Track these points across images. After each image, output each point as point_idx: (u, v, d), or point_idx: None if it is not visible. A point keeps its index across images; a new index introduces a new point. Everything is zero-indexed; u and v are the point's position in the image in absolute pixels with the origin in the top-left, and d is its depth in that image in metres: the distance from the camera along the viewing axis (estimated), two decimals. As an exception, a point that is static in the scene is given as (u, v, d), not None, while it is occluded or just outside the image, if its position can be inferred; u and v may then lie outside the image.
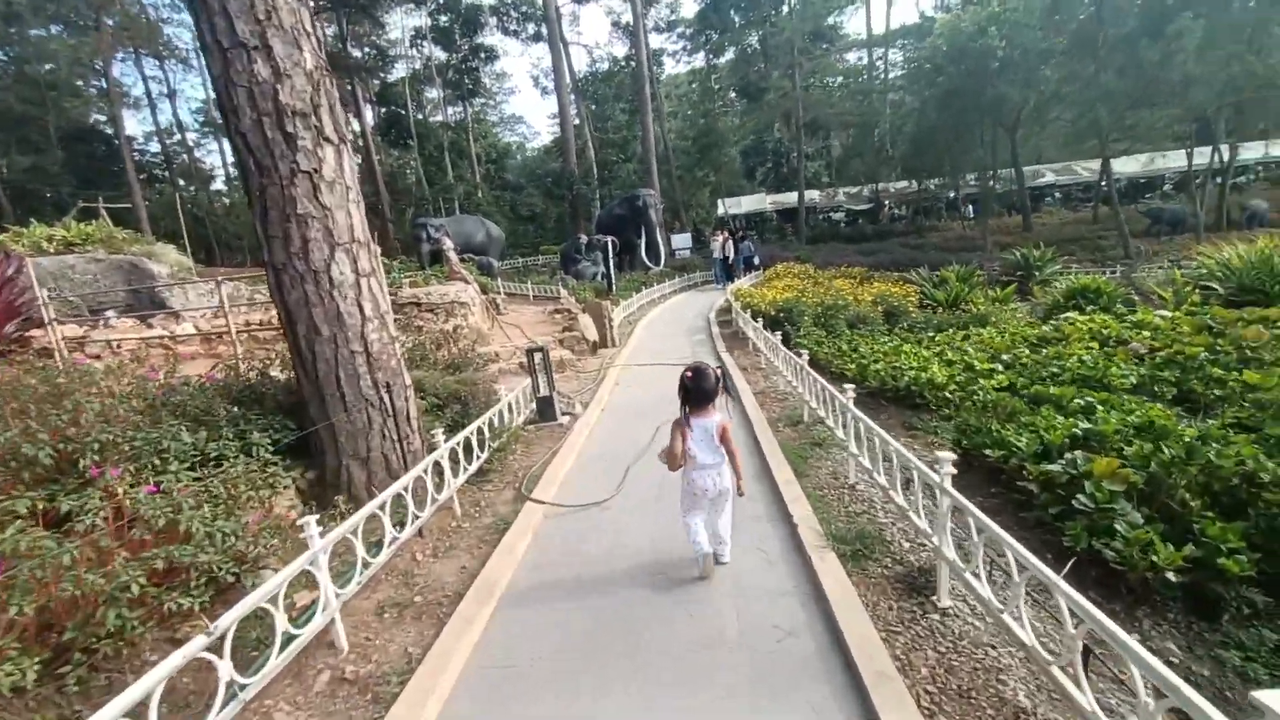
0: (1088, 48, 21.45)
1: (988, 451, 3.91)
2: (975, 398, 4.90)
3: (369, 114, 45.56)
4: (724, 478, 3.11)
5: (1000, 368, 5.81)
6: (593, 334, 10.59)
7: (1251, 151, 28.93)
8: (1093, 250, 24.45)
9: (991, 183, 27.63)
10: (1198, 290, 10.48)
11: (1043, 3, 22.11)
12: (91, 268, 10.27)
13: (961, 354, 6.46)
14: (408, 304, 9.55)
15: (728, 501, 3.19)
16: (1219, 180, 25.29)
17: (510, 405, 5.68)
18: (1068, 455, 3.30)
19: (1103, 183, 32.07)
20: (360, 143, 43.88)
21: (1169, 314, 8.72)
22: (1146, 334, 7.43)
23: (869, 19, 40.77)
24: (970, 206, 36.05)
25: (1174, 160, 31.39)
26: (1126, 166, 31.32)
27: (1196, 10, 18.93)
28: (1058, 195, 38.92)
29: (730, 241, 21.31)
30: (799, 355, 5.51)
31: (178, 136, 44.82)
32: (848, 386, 4.30)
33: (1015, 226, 31.22)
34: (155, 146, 43.64)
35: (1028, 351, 6.40)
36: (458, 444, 4.22)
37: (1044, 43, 22.04)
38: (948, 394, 5.46)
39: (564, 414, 6.44)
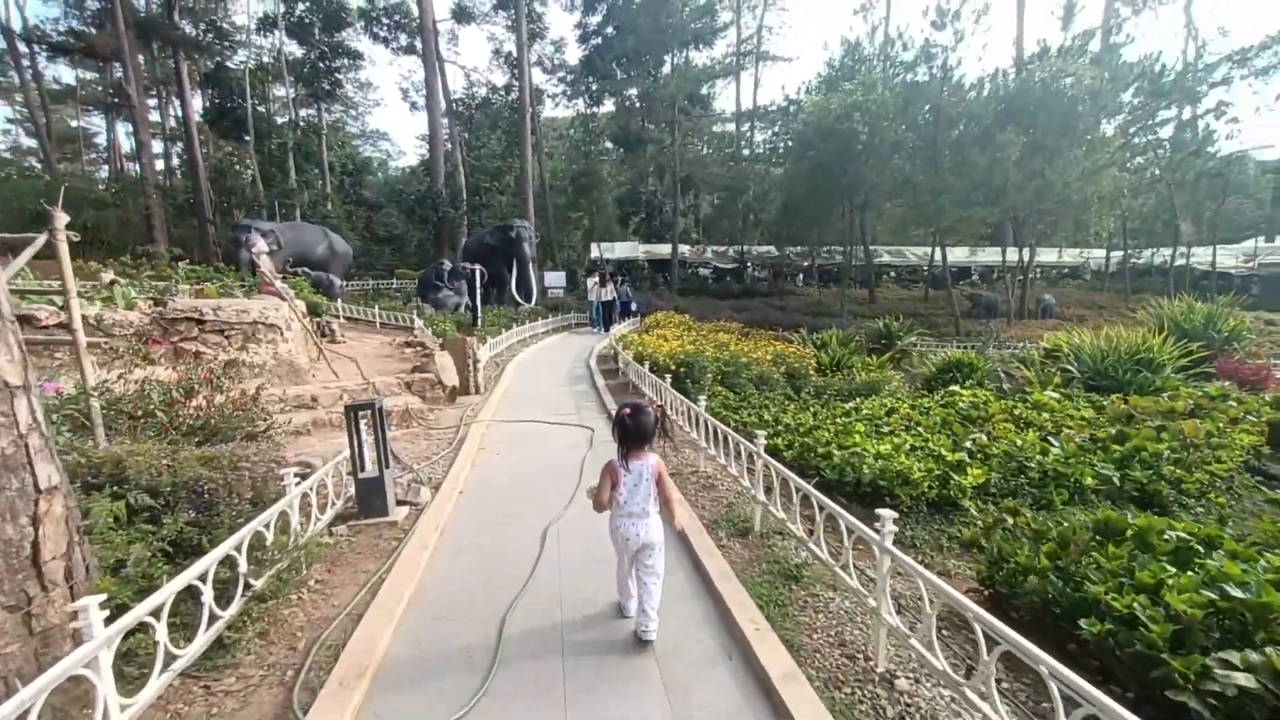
0: (930, 146, 24.14)
1: (1054, 606, 2.65)
2: (992, 518, 3.72)
3: (196, 100, 38.92)
4: (654, 530, 2.82)
5: (965, 457, 4.83)
6: (452, 377, 8.41)
7: (1044, 256, 34.69)
8: (929, 325, 27.09)
9: (849, 256, 29.82)
10: (1059, 372, 11.02)
11: (896, 100, 24.55)
12: None
13: (915, 436, 5.45)
14: (183, 319, 6.72)
15: (657, 556, 2.84)
16: (1020, 276, 29.54)
17: (308, 496, 3.49)
18: (1246, 655, 2.07)
19: (927, 268, 36.59)
20: (182, 129, 37.10)
21: (1052, 394, 8.80)
22: (1045, 416, 7.17)
23: (739, 94, 43.77)
24: (815, 276, 39.12)
25: (988, 255, 36.74)
26: (951, 255, 35.93)
27: (1015, 128, 22.02)
28: (891, 274, 43.73)
29: (610, 285, 20.13)
30: (752, 439, 4.02)
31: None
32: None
33: (862, 299, 34.03)
34: None
35: (978, 436, 5.57)
36: (155, 610, 2.05)
37: (897, 135, 24.37)
38: (923, 490, 4.31)
39: (400, 502, 4.32)
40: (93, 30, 36.39)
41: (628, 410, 2.84)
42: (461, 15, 38.82)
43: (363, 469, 4.07)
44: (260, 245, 7.97)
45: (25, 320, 6.02)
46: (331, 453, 4.50)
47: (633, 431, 2.81)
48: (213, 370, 4.21)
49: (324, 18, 38.08)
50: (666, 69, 38.12)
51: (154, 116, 43.84)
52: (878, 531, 2.42)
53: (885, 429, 5.81)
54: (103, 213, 31.00)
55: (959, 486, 4.37)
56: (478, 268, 16.90)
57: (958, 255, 36.13)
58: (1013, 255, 28.36)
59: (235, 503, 2.99)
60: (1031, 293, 30.77)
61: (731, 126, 45.24)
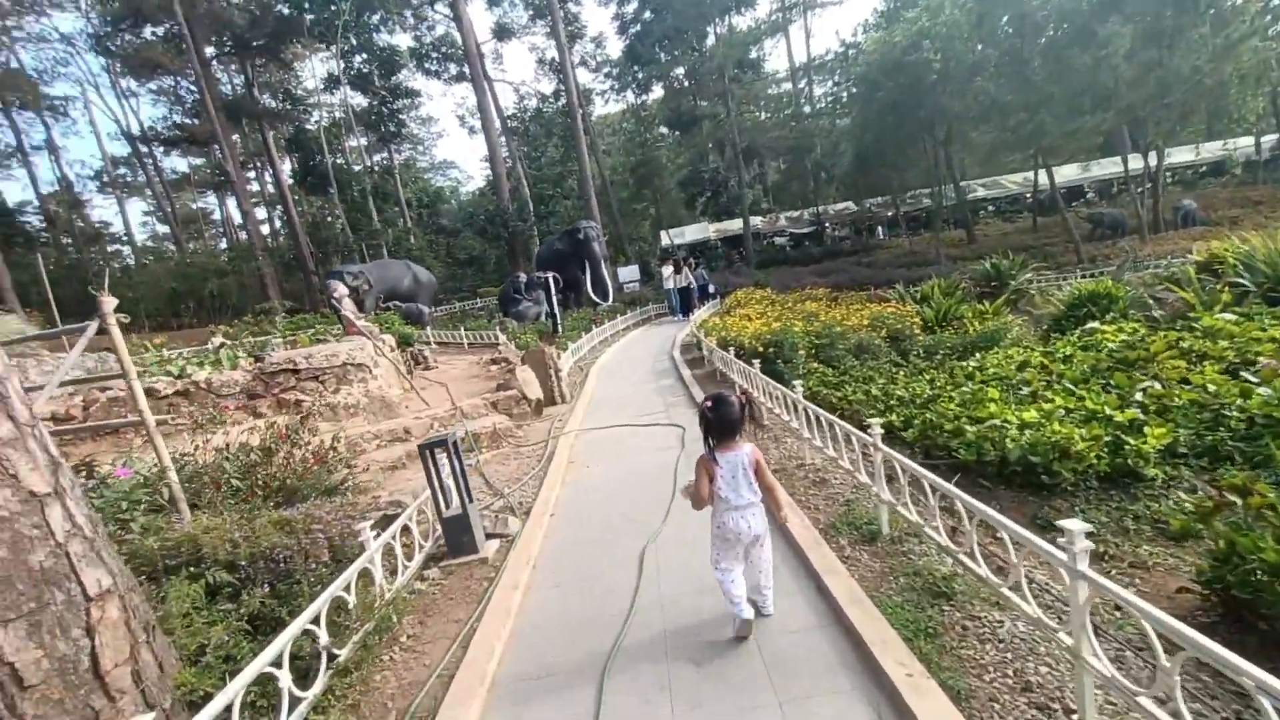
0: (1016, 60, 21.39)
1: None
2: (1213, 500, 2.92)
3: (286, 164, 42.50)
4: (760, 519, 2.72)
5: (1139, 414, 3.92)
6: (535, 390, 8.31)
7: (1176, 156, 29.99)
8: (1043, 257, 24.16)
9: (938, 197, 27.30)
10: (1227, 288, 9.21)
11: (969, 18, 21.97)
12: None
13: (1063, 395, 4.56)
14: (280, 371, 7.03)
15: (766, 546, 2.80)
16: (1150, 184, 25.68)
17: (391, 546, 3.33)
18: None
19: (1030, 194, 32.78)
20: (277, 193, 40.71)
21: (1225, 315, 7.30)
22: (1224, 345, 5.86)
23: (790, 50, 41.42)
24: (903, 225, 36.20)
25: (1105, 168, 32.38)
26: (1059, 175, 32.05)
27: (1119, 18, 18.99)
28: (989, 208, 39.68)
29: (685, 270, 19.58)
30: (863, 425, 3.42)
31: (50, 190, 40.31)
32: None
33: (959, 240, 31.12)
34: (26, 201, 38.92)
35: (1149, 384, 4.55)
36: (226, 708, 1.87)
37: (975, 55, 21.84)
38: (1090, 463, 3.51)
39: (490, 535, 4.12)
40: (194, 121, 40.50)
41: (709, 403, 2.75)
42: (502, 33, 39.56)
43: (447, 507, 3.89)
44: (340, 290, 8.24)
45: (148, 392, 6.49)
46: (424, 487, 4.40)
47: (716, 424, 2.72)
48: (290, 426, 4.21)
49: (379, 64, 40.10)
50: (710, 41, 36.77)
51: (254, 186, 48.55)
52: (1063, 548, 1.81)
53: (1024, 390, 4.92)
54: (224, 280, 34.58)
55: (1138, 452, 3.51)
56: (551, 275, 16.98)
57: (1067, 174, 32.04)
58: (1136, 163, 24.65)
59: (313, 568, 2.86)
60: (1166, 200, 26.70)
61: (788, 86, 43.02)
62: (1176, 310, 9.43)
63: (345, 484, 4.11)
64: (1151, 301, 10.41)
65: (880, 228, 38.67)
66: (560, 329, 16.27)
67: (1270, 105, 26.88)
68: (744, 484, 2.67)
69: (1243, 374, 4.76)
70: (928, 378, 6.28)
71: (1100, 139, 26.22)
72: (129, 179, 48.38)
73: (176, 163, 49.15)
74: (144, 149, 43.34)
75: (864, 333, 8.70)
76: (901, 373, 6.86)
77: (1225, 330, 6.55)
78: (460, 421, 7.17)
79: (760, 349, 7.81)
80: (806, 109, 39.79)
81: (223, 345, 8.05)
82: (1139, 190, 25.69)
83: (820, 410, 4.29)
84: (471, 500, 3.96)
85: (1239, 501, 2.34)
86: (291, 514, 3.09)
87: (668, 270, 20.05)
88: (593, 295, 22.27)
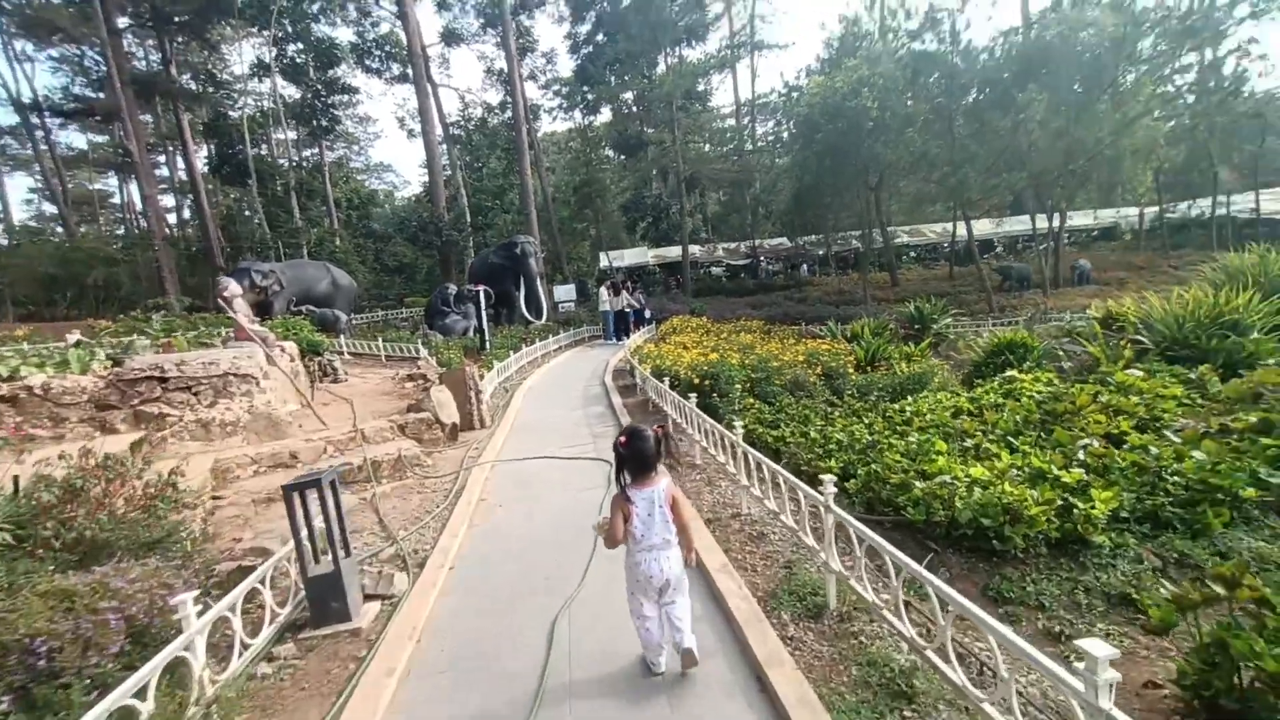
0: (944, 116, 22.84)
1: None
2: (1199, 593, 2.70)
3: (202, 150, 39.26)
4: (676, 561, 2.56)
5: (1084, 475, 3.77)
6: (451, 413, 7.55)
7: (1075, 219, 32.91)
8: (959, 304, 25.66)
9: (867, 240, 28.56)
10: (1129, 344, 9.78)
11: (904, 73, 23.30)
12: None
13: (1001, 445, 4.39)
14: (143, 379, 5.96)
15: (684, 594, 2.61)
16: (1053, 242, 27.92)
17: (228, 620, 2.60)
18: None
19: (949, 244, 35.03)
20: (188, 180, 37.42)
21: (1136, 372, 7.65)
22: (1136, 402, 6.03)
23: (736, 87, 42.82)
24: (831, 264, 37.84)
25: (1013, 225, 35.04)
26: (974, 229, 34.46)
27: (1036, 86, 20.65)
28: (911, 254, 42.07)
29: (624, 293, 19.29)
30: (817, 485, 3.02)
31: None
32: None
33: (884, 282, 32.62)
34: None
35: (1090, 443, 4.46)
36: None
37: (908, 109, 23.13)
38: (1042, 529, 3.28)
39: (370, 597, 3.42)
40: (98, 96, 36.82)
41: (623, 437, 2.62)
42: (450, 38, 38.58)
43: (315, 562, 3.18)
44: (231, 288, 7.21)
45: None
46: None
47: (630, 459, 2.58)
48: (109, 457, 3.33)
49: (316, 56, 38.05)
50: (661, 69, 37.36)
51: (165, 172, 44.60)
52: (1081, 675, 1.42)
53: (967, 442, 4.75)
54: (113, 270, 31.13)
55: (1087, 518, 3.32)
56: (482, 288, 16.14)
57: (981, 228, 34.53)
58: (1041, 222, 26.74)
59: (96, 663, 2.10)
60: (1064, 259, 29.11)
61: (731, 121, 44.26)
62: (1084, 363, 9.89)
63: (180, 534, 3.25)
64: (1061, 353, 10.94)
65: (807, 265, 40.12)
66: (489, 346, 15.43)
67: (1154, 179, 30.01)
68: (659, 521, 2.52)
69: (1166, 433, 4.80)
70: (865, 421, 6.09)
71: (1011, 197, 28.40)
72: (14, 150, 43.24)
73: (74, 138, 44.54)
74: (35, 120, 38.90)
75: (799, 368, 8.54)
76: (837, 413, 6.68)
77: (1135, 385, 6.79)
78: (360, 446, 6.34)
79: (695, 380, 7.46)
80: (748, 145, 41.02)
81: (79, 343, 6.82)
82: (1042, 247, 27.84)
83: (761, 457, 3.90)
84: (349, 553, 3.26)
85: (1224, 591, 2.11)
86: (82, 582, 2.30)
87: (605, 292, 19.66)
88: (526, 313, 21.50)
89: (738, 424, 4.60)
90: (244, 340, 7.19)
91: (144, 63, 37.32)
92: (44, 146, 40.65)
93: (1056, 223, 27.22)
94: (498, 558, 4.12)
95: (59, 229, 42.06)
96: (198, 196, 35.76)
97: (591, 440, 7.24)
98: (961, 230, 29.65)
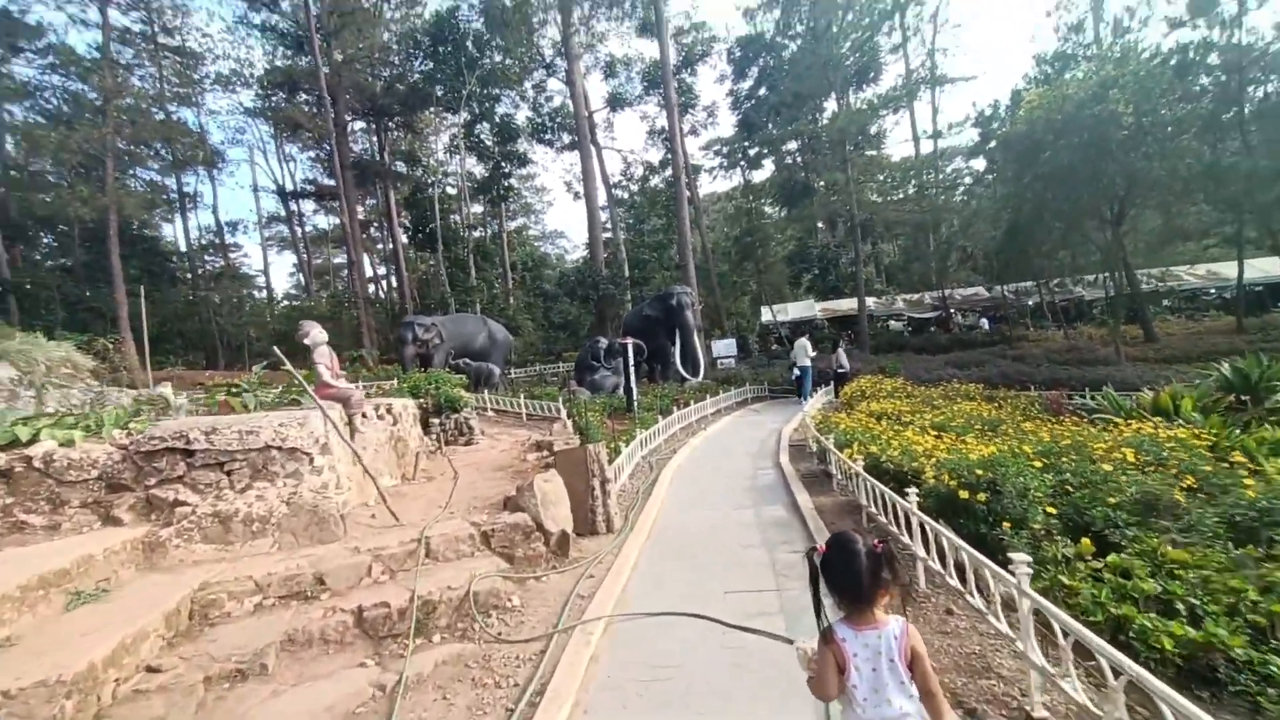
0: (1225, 120, 16.95)
1: None
2: None
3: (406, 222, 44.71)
4: None
5: None
6: (562, 514, 5.22)
7: None
8: (1270, 366, 18.41)
9: (1115, 283, 22.29)
10: None
11: (1164, 69, 17.88)
12: None
13: None
14: (163, 451, 4.47)
15: None
16: None
17: None
18: None
19: (1211, 290, 26.64)
20: (392, 247, 42.58)
21: None
22: None
23: (914, 123, 38.54)
24: (1052, 314, 30.78)
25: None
26: (1257, 269, 26.06)
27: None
28: (1165, 303, 33.10)
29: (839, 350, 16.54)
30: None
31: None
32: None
33: (1134, 336, 25.37)
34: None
35: None
36: None
37: (1176, 110, 17.60)
38: None
39: None
40: (330, 181, 43.76)
41: (824, 548, 1.78)
42: (615, 102, 39.92)
43: None
44: (314, 335, 5.77)
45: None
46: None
47: (840, 581, 1.72)
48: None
49: (498, 132, 41.53)
50: (829, 111, 34.69)
51: (386, 246, 51.67)
52: None
53: None
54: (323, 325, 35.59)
55: None
56: (631, 341, 14.25)
57: (1262, 268, 26.05)
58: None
59: None
60: None
61: (910, 155, 39.70)
62: None
63: None
64: None
65: (985, 319, 33.47)
66: (635, 407, 13.31)
67: None
68: (891, 683, 1.65)
69: None
70: None
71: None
72: (284, 233, 53.20)
73: (320, 220, 53.76)
74: (293, 206, 47.69)
75: (1143, 476, 4.89)
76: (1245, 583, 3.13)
77: None
78: (421, 564, 4.22)
79: (954, 486, 4.32)
80: (932, 185, 36.12)
81: (149, 399, 5.74)
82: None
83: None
84: None
85: None
86: None
87: (807, 344, 16.87)
88: (681, 369, 19.35)
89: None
90: (327, 399, 5.68)
91: (366, 149, 43.70)
92: (297, 227, 49.63)
93: None
94: None
95: (305, 294, 50.31)
96: (398, 263, 40.39)
97: (771, 573, 4.44)
98: (1250, 269, 22.04)
